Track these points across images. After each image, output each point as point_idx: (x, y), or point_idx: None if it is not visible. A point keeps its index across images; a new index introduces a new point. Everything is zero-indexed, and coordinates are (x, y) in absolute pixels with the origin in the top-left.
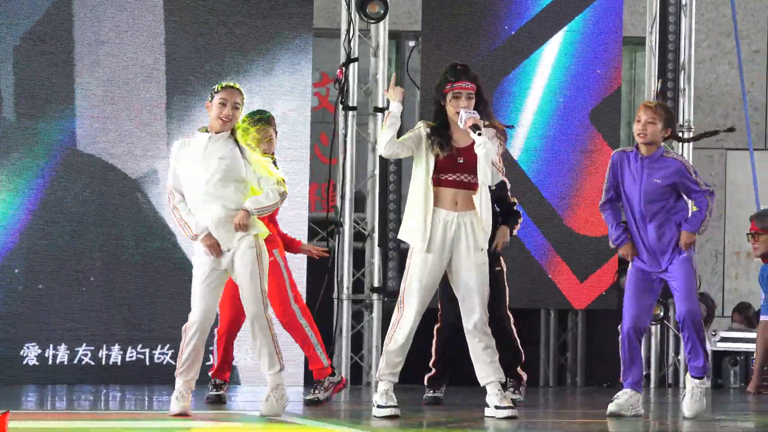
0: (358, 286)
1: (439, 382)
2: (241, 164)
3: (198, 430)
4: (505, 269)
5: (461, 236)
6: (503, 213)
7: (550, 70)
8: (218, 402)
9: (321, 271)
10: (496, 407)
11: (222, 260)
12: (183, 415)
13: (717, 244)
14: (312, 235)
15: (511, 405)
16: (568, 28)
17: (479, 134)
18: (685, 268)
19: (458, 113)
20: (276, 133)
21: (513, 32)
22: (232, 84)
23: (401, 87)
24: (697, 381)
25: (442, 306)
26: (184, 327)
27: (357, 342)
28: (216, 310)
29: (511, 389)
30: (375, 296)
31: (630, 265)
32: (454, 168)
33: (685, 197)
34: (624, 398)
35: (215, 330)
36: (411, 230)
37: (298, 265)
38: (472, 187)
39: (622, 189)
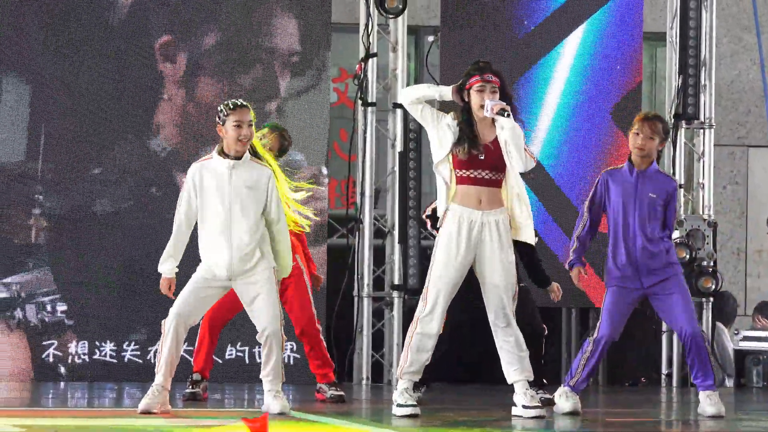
0: (378, 283)
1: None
2: (264, 191)
3: (215, 429)
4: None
5: (485, 237)
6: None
7: (570, 66)
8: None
9: (341, 268)
10: (524, 407)
11: (229, 282)
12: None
13: (739, 242)
14: (332, 232)
15: (539, 405)
16: (588, 24)
17: (507, 116)
18: (682, 284)
19: (482, 106)
20: (289, 142)
21: (532, 27)
22: (239, 103)
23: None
24: (709, 392)
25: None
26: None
27: (378, 340)
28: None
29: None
30: (395, 293)
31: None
32: (475, 164)
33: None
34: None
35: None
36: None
37: (318, 263)
38: (497, 183)
39: (607, 205)
